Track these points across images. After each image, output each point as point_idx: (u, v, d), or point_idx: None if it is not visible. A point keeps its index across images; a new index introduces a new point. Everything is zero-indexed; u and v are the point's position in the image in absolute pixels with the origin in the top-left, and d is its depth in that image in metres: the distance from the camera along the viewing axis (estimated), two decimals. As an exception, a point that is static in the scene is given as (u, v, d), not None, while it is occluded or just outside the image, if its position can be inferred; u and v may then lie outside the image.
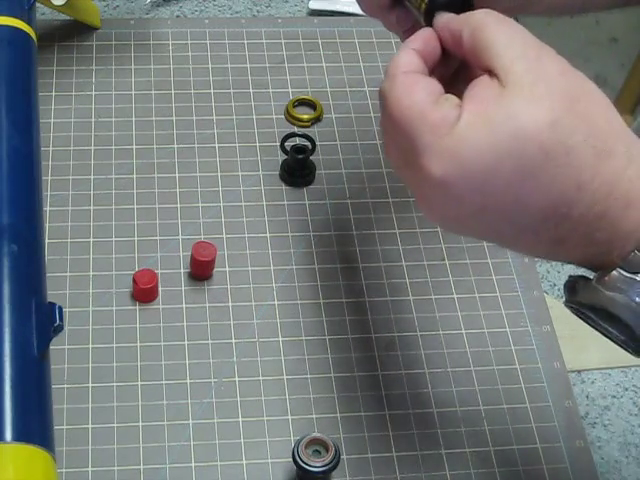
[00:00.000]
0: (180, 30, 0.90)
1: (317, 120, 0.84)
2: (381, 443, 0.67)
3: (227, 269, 0.74)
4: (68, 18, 0.88)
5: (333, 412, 0.68)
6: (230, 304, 0.72)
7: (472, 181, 0.48)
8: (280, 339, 0.71)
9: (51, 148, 0.80)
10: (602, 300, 0.50)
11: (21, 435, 0.53)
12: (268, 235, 0.77)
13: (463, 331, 0.72)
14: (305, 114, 0.84)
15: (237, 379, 0.69)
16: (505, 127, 0.48)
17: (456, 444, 0.67)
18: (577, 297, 0.52)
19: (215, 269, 0.73)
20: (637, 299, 0.50)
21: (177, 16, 0.92)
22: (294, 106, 0.85)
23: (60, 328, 0.57)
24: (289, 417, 0.67)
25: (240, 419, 0.67)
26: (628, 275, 0.50)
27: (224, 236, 0.76)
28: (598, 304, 0.51)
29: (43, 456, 0.53)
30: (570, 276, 0.53)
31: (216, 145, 0.82)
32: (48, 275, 0.62)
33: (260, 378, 0.69)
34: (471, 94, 0.50)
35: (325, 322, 0.72)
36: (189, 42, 0.89)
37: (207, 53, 0.88)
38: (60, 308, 0.58)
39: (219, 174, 0.80)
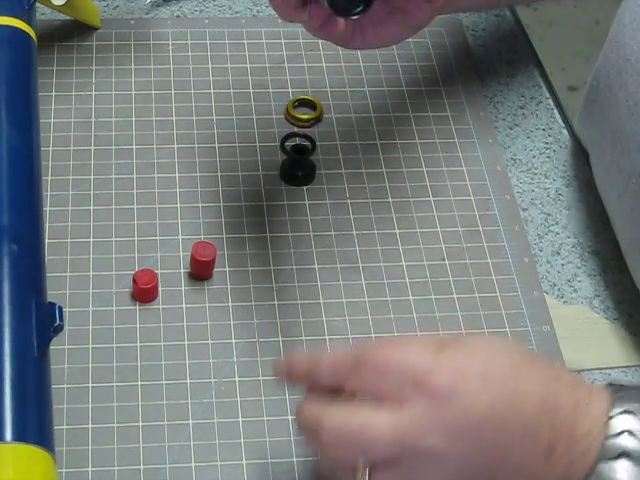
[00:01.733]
0: (180, 30, 0.90)
1: (317, 120, 0.84)
2: (381, 443, 0.67)
3: (227, 269, 0.74)
4: (68, 18, 0.88)
5: (333, 412, 0.67)
6: (230, 304, 0.72)
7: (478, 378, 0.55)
8: (280, 339, 0.71)
9: (51, 148, 0.80)
10: None
11: (21, 435, 0.53)
12: (268, 235, 0.77)
13: (463, 331, 0.72)
14: (305, 114, 0.84)
15: (237, 379, 0.69)
16: (484, 342, 0.59)
17: (456, 444, 0.67)
18: None
19: (215, 269, 0.73)
20: None
21: (177, 16, 0.92)
22: (294, 106, 0.85)
23: (60, 328, 0.57)
24: (289, 417, 0.67)
25: (240, 419, 0.67)
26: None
27: (224, 236, 0.76)
28: None
29: (43, 456, 0.53)
30: None
31: (216, 145, 0.82)
32: (48, 275, 0.62)
33: (260, 378, 0.69)
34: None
35: (325, 322, 0.72)
36: (189, 42, 0.89)
37: (207, 53, 0.88)
38: (60, 308, 0.58)
39: (219, 174, 0.80)
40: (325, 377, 0.58)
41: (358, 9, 0.63)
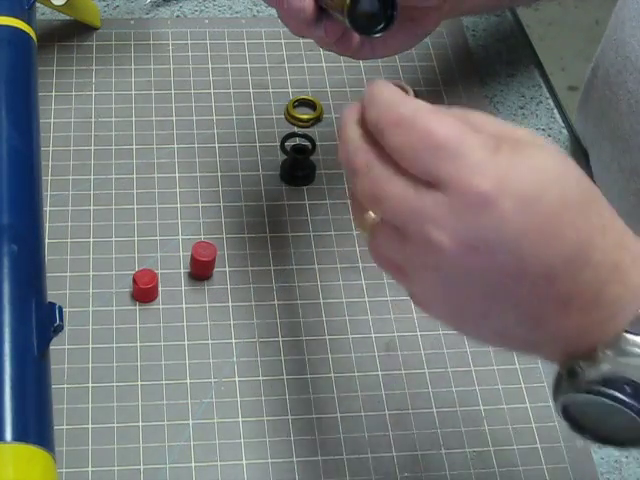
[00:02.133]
0: (180, 30, 0.90)
1: (317, 120, 0.84)
2: (381, 443, 0.67)
3: (227, 269, 0.74)
4: (68, 18, 0.88)
5: (333, 412, 0.68)
6: (230, 304, 0.72)
7: (520, 200, 0.47)
8: (280, 339, 0.71)
9: (51, 148, 0.80)
10: (619, 369, 0.48)
11: (21, 435, 0.53)
12: (268, 235, 0.77)
13: (463, 331, 0.72)
14: (305, 114, 0.84)
15: (237, 379, 0.69)
16: (550, 162, 0.48)
17: (456, 444, 0.67)
18: (580, 379, 0.49)
19: (215, 269, 0.73)
20: None
21: (177, 16, 0.92)
22: (294, 106, 0.85)
23: (60, 328, 0.57)
24: (289, 417, 0.67)
25: (240, 419, 0.67)
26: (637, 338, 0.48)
27: (224, 236, 0.76)
28: (609, 374, 0.48)
29: (43, 456, 0.53)
30: (558, 372, 0.51)
31: (216, 145, 0.82)
32: (48, 275, 0.62)
33: (260, 378, 0.69)
34: (498, 137, 0.49)
35: (325, 322, 0.72)
36: (189, 42, 0.89)
37: (207, 53, 0.88)
38: (60, 308, 0.58)
39: (219, 174, 0.80)
40: (372, 116, 0.51)
41: (380, 27, 0.60)
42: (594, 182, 0.51)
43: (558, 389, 0.51)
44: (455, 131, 0.48)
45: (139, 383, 0.68)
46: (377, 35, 0.60)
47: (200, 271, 0.73)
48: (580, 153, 0.84)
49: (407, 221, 0.49)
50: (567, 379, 0.50)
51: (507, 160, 0.48)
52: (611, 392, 0.49)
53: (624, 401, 0.48)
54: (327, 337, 0.71)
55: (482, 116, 0.50)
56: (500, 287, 0.49)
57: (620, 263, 0.49)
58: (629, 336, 0.48)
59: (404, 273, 0.51)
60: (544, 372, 0.71)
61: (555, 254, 0.48)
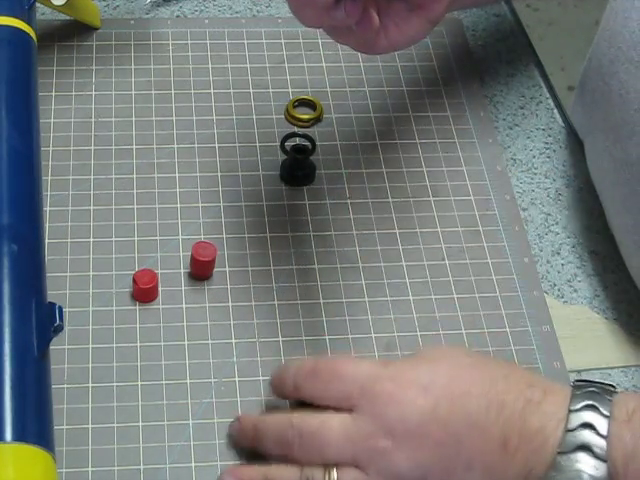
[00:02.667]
0: (180, 30, 0.90)
1: (317, 120, 0.84)
2: (381, 443, 0.67)
3: (227, 269, 0.74)
4: (68, 18, 0.88)
5: (333, 412, 0.68)
6: (230, 304, 0.72)
7: (421, 388, 0.60)
8: (280, 339, 0.71)
9: (51, 148, 0.80)
10: None
11: (21, 435, 0.53)
12: (268, 235, 0.77)
13: (463, 331, 0.72)
14: (305, 114, 0.84)
15: (237, 379, 0.69)
16: (437, 353, 0.64)
17: (456, 444, 0.67)
18: None
19: (215, 269, 0.73)
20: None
21: (177, 16, 0.92)
22: (294, 106, 0.85)
23: (60, 328, 0.57)
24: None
25: (240, 419, 0.67)
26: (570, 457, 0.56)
27: (224, 236, 0.76)
28: None
29: (43, 456, 0.53)
30: None
31: (216, 145, 0.82)
32: (48, 275, 0.62)
33: (260, 378, 0.69)
34: None
35: (325, 322, 0.72)
36: (189, 42, 0.89)
37: (207, 53, 0.88)
38: (60, 308, 0.58)
39: (219, 174, 0.80)
40: (289, 383, 0.64)
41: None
42: (589, 174, 0.54)
43: None
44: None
45: (139, 383, 0.68)
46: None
47: (200, 271, 0.73)
48: (580, 153, 0.84)
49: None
50: None
51: (397, 365, 0.62)
52: None
53: None
54: (327, 337, 0.71)
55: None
56: (430, 460, 0.59)
57: (532, 397, 0.58)
58: (560, 457, 0.56)
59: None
60: (544, 372, 0.71)
61: (459, 420, 0.58)
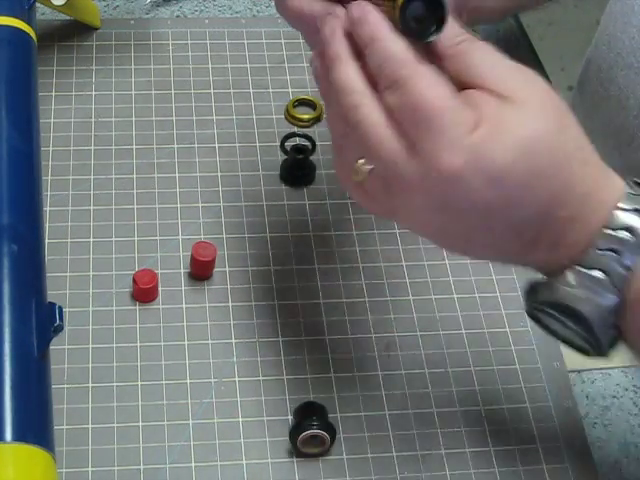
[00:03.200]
0: (180, 30, 0.90)
1: (317, 120, 0.84)
2: (381, 443, 0.67)
3: (227, 269, 0.74)
4: (68, 18, 0.88)
5: (333, 412, 0.68)
6: (230, 304, 0.72)
7: (489, 177, 0.52)
8: (280, 339, 0.71)
9: (51, 148, 0.80)
10: (564, 296, 0.54)
11: (21, 435, 0.53)
12: (268, 235, 0.77)
13: (463, 331, 0.72)
14: (305, 114, 0.84)
15: (237, 379, 0.69)
16: (519, 133, 0.52)
17: (456, 444, 0.67)
18: (539, 297, 0.56)
19: (215, 269, 0.73)
20: (596, 295, 0.53)
21: (177, 16, 0.92)
22: (294, 106, 0.85)
23: (60, 328, 0.57)
24: (289, 417, 0.67)
25: (240, 419, 0.67)
26: (586, 272, 0.53)
27: (224, 236, 0.76)
28: (560, 300, 0.54)
29: (43, 456, 0.53)
30: (529, 280, 0.57)
31: (216, 145, 0.82)
32: (48, 275, 0.62)
33: (260, 378, 0.69)
34: (480, 108, 0.52)
35: (325, 322, 0.72)
36: (189, 42, 0.89)
37: (207, 53, 0.88)
38: (60, 308, 0.58)
39: (219, 174, 0.80)
40: (373, 62, 0.54)
41: (432, 29, 0.56)
42: None
43: (526, 295, 0.57)
44: (441, 105, 0.51)
45: (139, 383, 0.68)
46: (432, 38, 0.56)
47: (200, 271, 0.73)
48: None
49: (393, 182, 0.54)
50: (526, 294, 0.57)
51: (481, 139, 0.51)
52: (552, 313, 0.55)
53: (565, 324, 0.55)
54: (327, 337, 0.71)
55: (481, 94, 0.53)
56: (474, 231, 0.54)
57: (582, 215, 0.54)
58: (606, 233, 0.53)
59: (393, 212, 0.56)
60: (544, 372, 0.71)
61: (523, 215, 0.53)
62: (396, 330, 0.72)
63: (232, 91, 0.86)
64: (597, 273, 0.53)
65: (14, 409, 0.53)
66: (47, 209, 0.76)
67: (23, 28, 0.72)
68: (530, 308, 0.57)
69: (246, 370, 0.69)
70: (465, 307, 0.74)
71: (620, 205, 0.54)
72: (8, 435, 0.52)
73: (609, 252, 0.53)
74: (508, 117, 0.52)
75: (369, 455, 0.66)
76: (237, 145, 0.82)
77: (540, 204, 0.53)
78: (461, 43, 0.54)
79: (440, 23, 0.55)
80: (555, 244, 0.54)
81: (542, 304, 0.56)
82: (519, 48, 0.93)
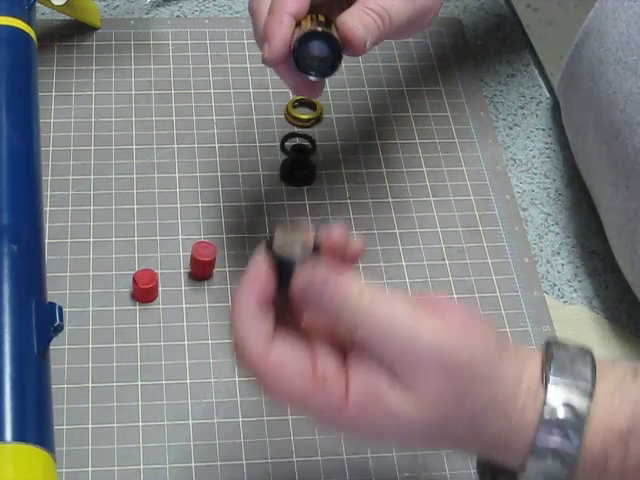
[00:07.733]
0: (180, 30, 0.90)
1: (317, 120, 0.84)
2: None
3: (227, 269, 0.74)
4: (68, 18, 0.88)
5: (333, 412, 0.67)
6: (230, 304, 0.72)
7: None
8: (280, 339, 0.71)
9: (51, 148, 0.80)
10: None
11: (21, 435, 0.53)
12: (268, 235, 0.76)
13: (463, 331, 0.72)
14: (305, 114, 0.84)
15: (237, 379, 0.69)
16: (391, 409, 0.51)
17: (456, 444, 0.67)
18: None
19: (215, 269, 0.73)
20: None
21: (177, 16, 0.92)
22: (294, 106, 0.85)
23: (60, 328, 0.57)
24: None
25: (240, 419, 0.67)
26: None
27: (224, 236, 0.76)
28: None
29: (43, 456, 0.53)
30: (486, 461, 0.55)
31: (216, 145, 0.82)
32: (48, 275, 0.62)
33: (260, 378, 0.69)
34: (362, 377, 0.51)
35: (325, 322, 0.72)
36: (189, 42, 0.89)
37: (207, 53, 0.88)
38: (60, 308, 0.58)
39: (219, 174, 0.80)
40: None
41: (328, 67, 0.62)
42: (578, 167, 0.52)
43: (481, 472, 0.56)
44: (307, 392, 0.51)
45: (139, 383, 0.68)
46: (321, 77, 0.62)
47: (200, 271, 0.73)
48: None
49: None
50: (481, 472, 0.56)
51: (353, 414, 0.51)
52: None
53: None
54: (327, 337, 0.71)
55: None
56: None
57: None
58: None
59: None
60: (544, 372, 0.71)
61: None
62: (396, 330, 0.72)
63: (232, 91, 0.86)
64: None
65: (14, 409, 0.53)
66: (47, 209, 0.76)
67: (23, 28, 0.72)
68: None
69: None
70: (465, 307, 0.74)
71: (536, 443, 0.51)
72: (8, 435, 0.52)
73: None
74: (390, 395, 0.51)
75: (369, 455, 0.66)
76: (237, 145, 0.82)
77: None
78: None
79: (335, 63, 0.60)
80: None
81: None
82: (519, 48, 0.93)
